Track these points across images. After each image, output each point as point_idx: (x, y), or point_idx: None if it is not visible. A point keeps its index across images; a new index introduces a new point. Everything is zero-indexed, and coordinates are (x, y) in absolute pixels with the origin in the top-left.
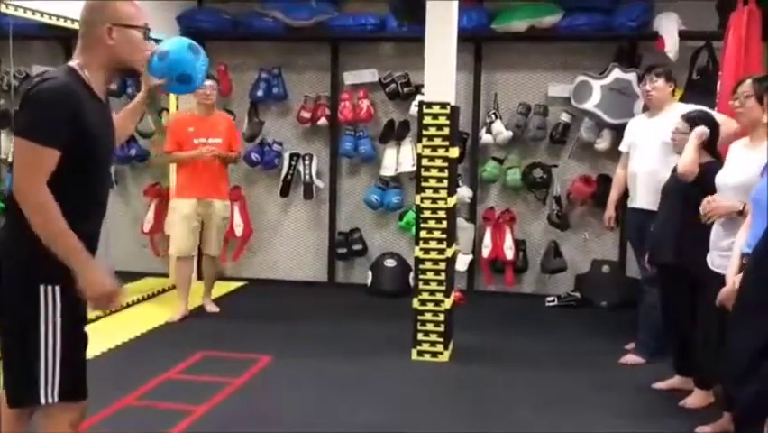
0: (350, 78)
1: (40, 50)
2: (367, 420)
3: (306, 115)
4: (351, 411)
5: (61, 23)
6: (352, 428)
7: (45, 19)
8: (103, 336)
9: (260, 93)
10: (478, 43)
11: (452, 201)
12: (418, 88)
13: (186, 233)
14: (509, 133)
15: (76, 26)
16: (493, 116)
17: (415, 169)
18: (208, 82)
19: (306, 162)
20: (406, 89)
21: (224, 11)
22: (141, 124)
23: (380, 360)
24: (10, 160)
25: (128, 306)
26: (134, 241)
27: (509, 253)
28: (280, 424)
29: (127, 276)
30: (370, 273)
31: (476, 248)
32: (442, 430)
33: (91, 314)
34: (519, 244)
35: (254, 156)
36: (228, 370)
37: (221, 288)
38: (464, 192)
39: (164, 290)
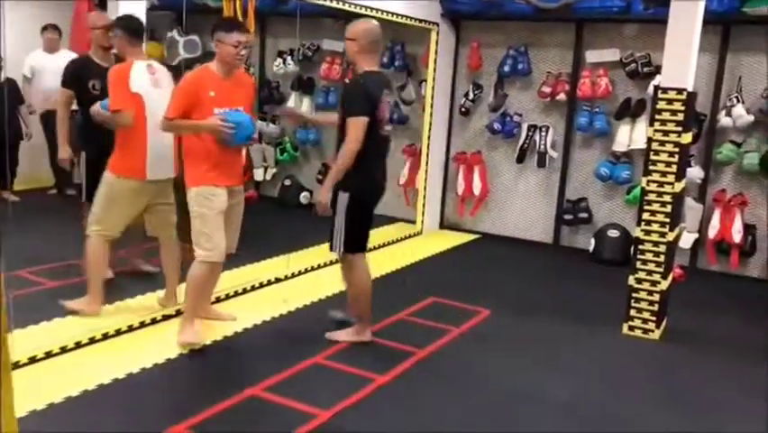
0: (592, 56)
1: (327, 27)
2: (567, 389)
3: (547, 90)
4: (554, 379)
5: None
6: (550, 398)
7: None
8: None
9: (506, 68)
10: (726, 26)
11: (679, 186)
12: (659, 69)
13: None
14: (750, 118)
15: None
16: (735, 100)
17: None
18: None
19: (543, 134)
20: (646, 69)
21: None
22: (404, 93)
23: (592, 328)
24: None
25: (379, 247)
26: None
27: (737, 236)
28: (486, 380)
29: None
30: (592, 240)
31: (702, 228)
32: (634, 411)
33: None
34: (749, 229)
35: (496, 125)
36: (452, 318)
37: (458, 238)
38: (695, 173)
39: (410, 236)
